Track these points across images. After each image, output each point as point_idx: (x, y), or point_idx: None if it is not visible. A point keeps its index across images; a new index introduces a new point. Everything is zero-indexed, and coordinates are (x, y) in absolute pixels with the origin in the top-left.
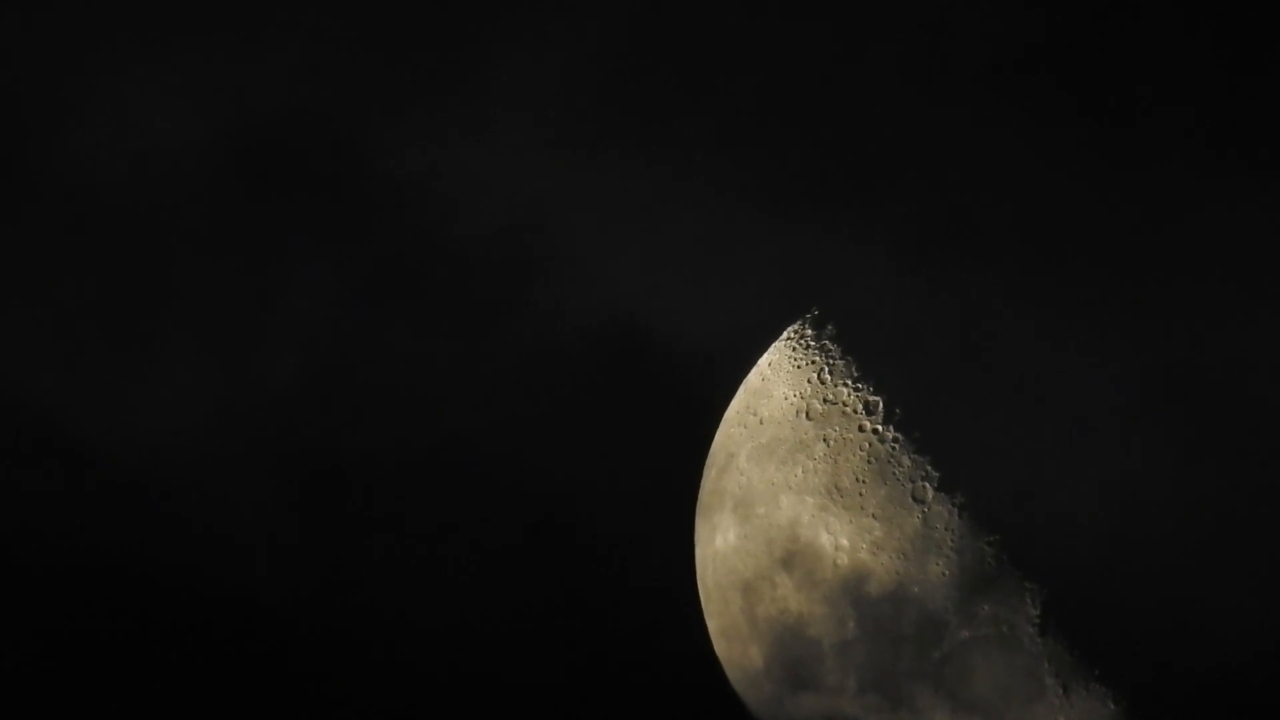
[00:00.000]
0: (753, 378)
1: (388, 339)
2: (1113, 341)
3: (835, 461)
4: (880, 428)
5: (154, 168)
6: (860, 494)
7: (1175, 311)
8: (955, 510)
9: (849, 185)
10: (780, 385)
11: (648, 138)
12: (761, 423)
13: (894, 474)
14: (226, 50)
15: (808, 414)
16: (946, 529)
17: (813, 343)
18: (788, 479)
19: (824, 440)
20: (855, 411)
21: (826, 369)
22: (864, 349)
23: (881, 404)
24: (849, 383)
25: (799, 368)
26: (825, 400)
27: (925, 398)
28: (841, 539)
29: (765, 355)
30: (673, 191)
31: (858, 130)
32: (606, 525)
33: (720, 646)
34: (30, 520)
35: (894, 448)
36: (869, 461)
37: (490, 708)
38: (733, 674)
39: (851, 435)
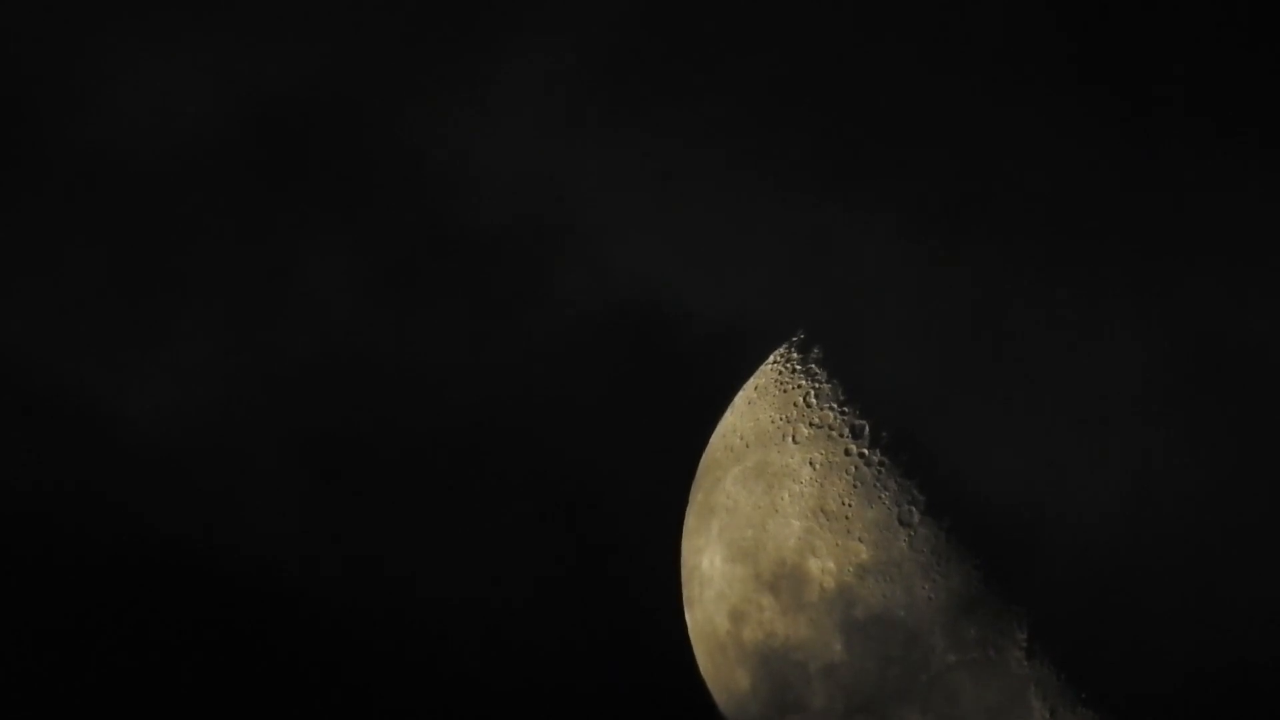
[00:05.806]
0: (740, 400)
1: (402, 323)
2: (1119, 341)
3: (822, 485)
4: (867, 451)
5: (171, 148)
6: (847, 517)
7: (1189, 301)
8: (942, 533)
9: (859, 168)
10: (767, 408)
11: (662, 120)
12: (748, 446)
13: (880, 497)
14: (246, 30)
15: (794, 437)
16: (933, 552)
17: (799, 366)
18: (774, 502)
19: (810, 464)
20: (842, 435)
21: (813, 392)
22: (850, 372)
23: (868, 427)
24: (835, 406)
25: (785, 391)
26: (812, 424)
27: (912, 421)
28: (828, 562)
29: (752, 379)
30: (687, 175)
31: (871, 113)
32: (609, 524)
33: (707, 669)
34: (37, 499)
35: (880, 471)
36: (855, 485)
37: (481, 709)
38: (720, 697)
39: (838, 459)
